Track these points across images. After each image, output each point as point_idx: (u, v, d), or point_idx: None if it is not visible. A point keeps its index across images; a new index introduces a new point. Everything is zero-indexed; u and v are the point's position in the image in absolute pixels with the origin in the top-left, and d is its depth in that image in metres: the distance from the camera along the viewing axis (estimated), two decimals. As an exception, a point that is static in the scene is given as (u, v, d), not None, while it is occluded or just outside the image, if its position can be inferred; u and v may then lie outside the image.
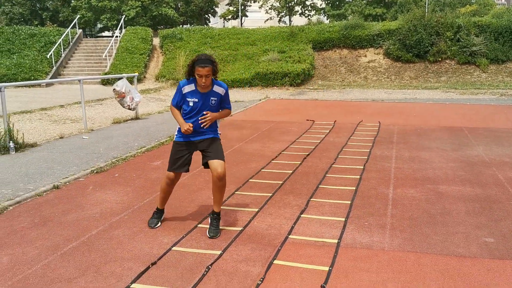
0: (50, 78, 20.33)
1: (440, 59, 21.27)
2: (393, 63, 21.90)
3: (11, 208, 4.96)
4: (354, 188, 5.52)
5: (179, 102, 4.17)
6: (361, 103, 14.43)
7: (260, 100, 15.52)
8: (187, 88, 4.13)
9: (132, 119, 11.22)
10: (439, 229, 4.25)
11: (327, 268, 3.50)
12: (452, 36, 21.36)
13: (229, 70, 21.19)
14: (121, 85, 10.68)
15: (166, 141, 8.41)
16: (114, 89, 10.73)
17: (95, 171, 6.37)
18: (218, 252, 3.80)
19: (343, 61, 22.53)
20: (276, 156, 7.21)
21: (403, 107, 13.24)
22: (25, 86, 18.23)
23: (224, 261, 3.66)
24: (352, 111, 12.31)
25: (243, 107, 13.36)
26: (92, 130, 9.75)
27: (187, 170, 4.28)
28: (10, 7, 42.07)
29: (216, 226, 4.17)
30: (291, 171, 6.32)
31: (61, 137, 8.88)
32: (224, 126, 9.89)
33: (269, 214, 4.68)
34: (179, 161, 4.21)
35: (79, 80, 9.82)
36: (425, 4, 36.13)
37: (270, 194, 5.32)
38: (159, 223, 4.44)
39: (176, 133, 4.28)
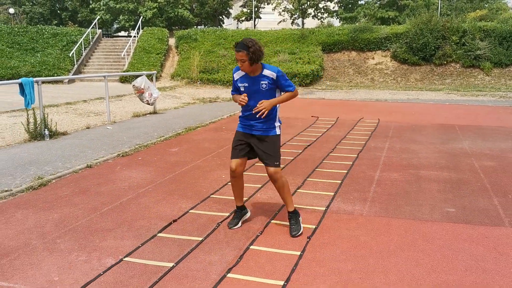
0: (72, 75, 21.43)
1: (445, 62, 21.98)
2: (399, 65, 22.65)
3: (54, 181, 5.90)
4: (346, 171, 6.38)
5: (234, 88, 4.22)
6: (364, 102, 15.24)
7: (269, 98, 16.38)
8: (238, 74, 4.12)
9: (150, 113, 12.16)
10: (411, 201, 5.09)
11: (313, 226, 4.37)
12: (458, 40, 22.06)
13: (241, 70, 22.06)
14: (140, 81, 11.62)
15: (182, 131, 9.33)
16: (133, 85, 11.68)
17: (121, 155, 7.30)
18: (227, 214, 4.68)
19: (351, 63, 23.33)
20: (280, 146, 8.07)
21: (403, 106, 14.03)
22: (49, 82, 19.33)
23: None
24: (355, 110, 13.13)
25: (253, 105, 14.23)
26: (114, 122, 10.71)
27: (248, 157, 4.22)
28: (30, 6, 43.40)
29: (294, 223, 4.21)
30: (292, 158, 7.18)
31: (88, 127, 9.84)
32: (234, 120, 10.79)
33: (270, 189, 5.55)
34: (236, 149, 4.20)
35: (104, 76, 10.79)
36: (437, 8, 36.80)
37: (273, 175, 6.19)
38: (240, 223, 4.40)
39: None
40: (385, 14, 41.24)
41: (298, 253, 3.79)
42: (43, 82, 8.87)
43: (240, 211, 4.41)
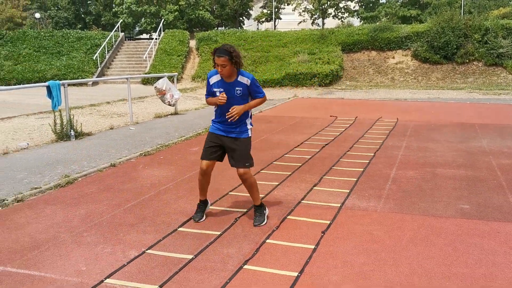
0: (96, 78, 21.92)
1: (467, 61, 21.75)
2: (420, 64, 22.50)
3: (80, 179, 6.16)
4: (362, 169, 6.48)
5: (209, 93, 4.41)
6: (384, 102, 15.24)
7: (289, 98, 16.54)
8: (214, 79, 4.31)
9: (171, 114, 12.42)
10: (426, 198, 5.18)
11: (328, 222, 4.50)
12: (480, 38, 21.79)
13: (261, 71, 22.28)
14: (162, 83, 11.89)
15: (202, 132, 9.54)
16: (155, 86, 11.96)
17: (143, 154, 7.55)
18: (245, 210, 4.85)
19: (371, 62, 23.27)
20: (298, 145, 8.21)
21: (423, 105, 13.99)
22: (74, 85, 19.84)
23: (248, 215, 4.71)
24: (374, 109, 13.16)
25: (273, 105, 14.40)
26: (137, 123, 11.00)
27: (219, 159, 4.46)
28: (55, 11, 44.40)
29: (258, 215, 4.48)
30: (309, 157, 7.31)
31: (111, 128, 10.14)
32: (253, 121, 10.94)
33: (287, 186, 5.71)
34: (208, 150, 4.41)
35: (127, 79, 11.10)
36: (460, 6, 36.36)
37: (290, 173, 6.34)
38: (204, 216, 4.62)
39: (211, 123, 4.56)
40: (407, 13, 40.90)
41: (313, 246, 3.93)
42: (68, 85, 9.19)
43: (203, 205, 4.65)
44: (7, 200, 5.21)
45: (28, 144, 8.28)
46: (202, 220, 4.58)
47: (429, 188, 5.56)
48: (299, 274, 3.44)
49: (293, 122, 10.82)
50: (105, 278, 3.42)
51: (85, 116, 12.19)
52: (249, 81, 4.26)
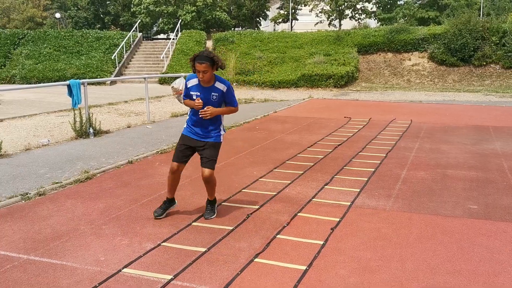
0: (114, 77, 22.31)
1: (484, 63, 21.60)
2: (437, 66, 22.41)
3: (98, 175, 6.38)
4: (373, 169, 6.59)
5: (186, 95, 4.54)
6: (399, 103, 15.26)
7: (304, 99, 16.65)
8: (192, 82, 4.44)
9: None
10: (435, 198, 5.28)
11: (337, 219, 4.63)
12: (498, 41, 21.64)
13: (277, 71, 22.42)
14: (179, 82, 12.03)
15: (217, 131, 9.72)
16: (172, 86, 12.15)
17: (159, 152, 7.75)
18: (257, 207, 5.01)
19: (387, 64, 23.24)
20: (312, 145, 8.34)
21: (438, 108, 13.99)
22: (93, 83, 20.24)
23: (260, 212, 4.86)
24: (389, 111, 13.21)
25: (287, 105, 14.54)
26: (154, 121, 11.23)
27: (187, 161, 4.65)
28: (75, 11, 45.11)
29: (210, 208, 4.75)
30: (322, 156, 7.44)
31: (129, 126, 10.39)
32: (268, 121, 11.14)
33: (299, 185, 5.85)
34: (180, 153, 4.58)
35: (145, 78, 11.35)
36: (479, 8, 36.03)
37: (302, 172, 6.48)
38: (164, 214, 4.74)
39: (185, 125, 4.69)
40: (425, 14, 40.67)
41: (321, 242, 4.07)
42: (88, 84, 9.45)
43: (169, 203, 4.80)
44: (30, 193, 5.44)
45: (49, 141, 8.55)
46: (161, 217, 4.67)
47: (438, 189, 5.65)
48: (308, 268, 3.58)
49: (307, 123, 10.94)
50: (123, 268, 3.61)
51: (103, 114, 12.48)
52: (226, 87, 4.44)
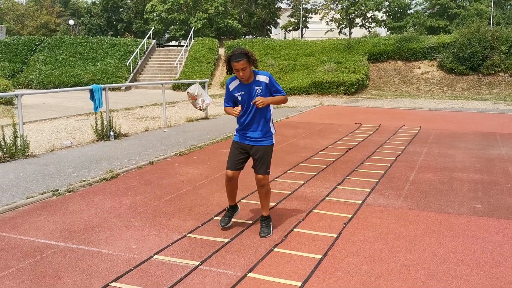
0: (129, 83, 22.83)
1: (493, 72, 21.83)
2: (446, 75, 22.67)
3: (122, 174, 6.76)
4: (383, 172, 6.90)
5: (229, 100, 4.42)
6: (408, 110, 15.55)
7: (315, 106, 16.99)
8: (233, 84, 4.35)
9: (202, 118, 13.03)
10: (442, 198, 5.58)
11: (350, 215, 4.96)
12: (507, 50, 21.86)
13: (288, 79, 22.80)
14: (194, 88, 12.50)
15: (232, 135, 10.08)
16: (188, 92, 12.58)
17: (178, 154, 8.12)
18: (274, 204, 5.35)
19: (397, 72, 23.54)
20: (324, 149, 8.67)
21: (446, 115, 14.26)
22: (109, 89, 20.76)
23: (277, 209, 5.20)
24: (398, 117, 13.50)
25: (299, 112, 14.89)
26: (170, 126, 11.63)
27: (242, 169, 4.51)
28: (88, 18, 45.89)
29: (265, 226, 4.46)
30: (334, 159, 7.76)
31: (146, 130, 10.79)
32: (281, 126, 11.48)
33: (312, 185, 6.17)
34: (234, 160, 4.46)
35: (162, 84, 11.76)
36: (489, 17, 36.21)
37: (315, 173, 6.81)
38: (231, 222, 4.64)
39: (235, 132, 4.61)
40: (435, 23, 40.91)
41: (335, 235, 4.39)
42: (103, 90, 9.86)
43: (232, 210, 4.66)
44: (60, 190, 5.83)
45: (71, 142, 8.97)
46: (228, 225, 4.59)
47: (445, 189, 5.95)
48: (323, 257, 3.91)
49: (319, 128, 11.27)
50: (154, 255, 3.96)
51: (120, 118, 12.89)
52: (267, 78, 4.30)
